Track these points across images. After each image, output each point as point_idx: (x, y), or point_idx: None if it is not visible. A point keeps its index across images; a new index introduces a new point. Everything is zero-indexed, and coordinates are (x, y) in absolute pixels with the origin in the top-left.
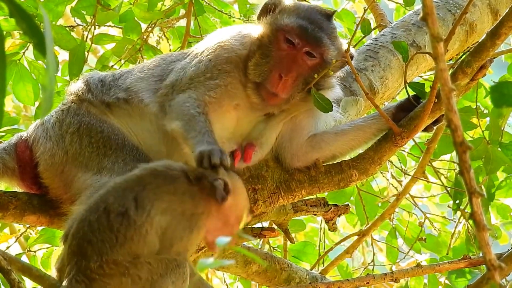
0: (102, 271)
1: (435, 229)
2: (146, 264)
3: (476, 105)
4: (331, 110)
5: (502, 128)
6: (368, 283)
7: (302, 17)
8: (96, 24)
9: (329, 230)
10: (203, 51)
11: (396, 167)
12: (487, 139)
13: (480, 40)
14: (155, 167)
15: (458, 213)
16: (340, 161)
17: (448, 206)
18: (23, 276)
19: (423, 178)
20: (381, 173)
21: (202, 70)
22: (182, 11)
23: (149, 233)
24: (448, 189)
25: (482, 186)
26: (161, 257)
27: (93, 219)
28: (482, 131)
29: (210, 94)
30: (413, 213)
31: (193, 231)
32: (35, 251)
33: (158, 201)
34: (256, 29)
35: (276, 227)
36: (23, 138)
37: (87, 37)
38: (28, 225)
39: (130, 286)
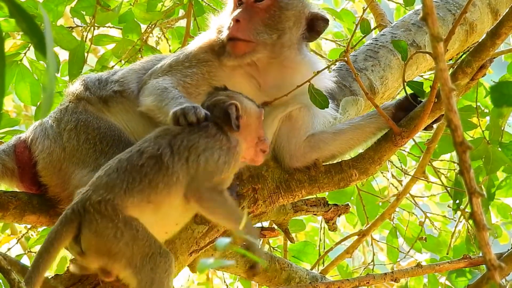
0: (98, 207)
1: (435, 229)
2: (134, 230)
3: (476, 105)
4: (327, 107)
5: (502, 128)
6: (368, 283)
7: None
8: (96, 24)
9: (329, 230)
10: (188, 47)
11: (396, 166)
12: (487, 139)
13: (480, 40)
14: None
15: (458, 212)
16: (340, 161)
17: (448, 206)
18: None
19: (423, 178)
20: (381, 172)
21: (181, 59)
22: (182, 12)
23: (179, 182)
24: (448, 188)
25: (482, 186)
26: (150, 235)
27: (123, 158)
28: (482, 131)
29: (186, 80)
30: (413, 212)
31: (231, 163)
32: (35, 252)
33: (195, 147)
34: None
35: (276, 227)
36: (21, 139)
37: (86, 37)
38: (29, 226)
39: (111, 237)
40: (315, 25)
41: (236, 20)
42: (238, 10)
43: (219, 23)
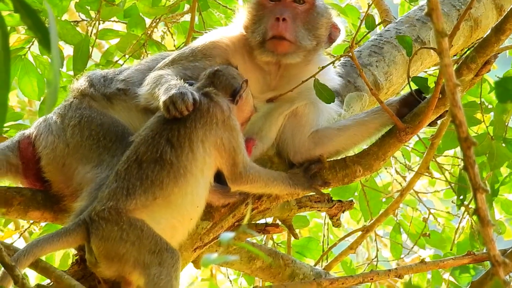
0: (103, 214)
1: (439, 225)
2: (138, 230)
3: (481, 101)
4: (333, 101)
5: (506, 124)
6: (372, 279)
7: None
8: (101, 19)
9: (333, 226)
10: (195, 43)
11: (400, 162)
12: (491, 135)
13: (484, 36)
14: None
15: (462, 208)
16: (344, 156)
17: (452, 202)
18: (28, 268)
19: (427, 174)
20: (385, 168)
21: (186, 53)
22: (187, 7)
23: (188, 171)
24: (452, 184)
25: (486, 182)
26: (156, 233)
27: (121, 169)
28: (487, 127)
29: (186, 73)
30: (417, 208)
31: (237, 131)
32: None
33: (195, 134)
34: (242, 15)
35: (280, 223)
36: (25, 134)
37: (91, 32)
38: (32, 221)
39: (118, 239)
40: (331, 34)
41: (283, 19)
42: (281, 8)
43: (247, 20)
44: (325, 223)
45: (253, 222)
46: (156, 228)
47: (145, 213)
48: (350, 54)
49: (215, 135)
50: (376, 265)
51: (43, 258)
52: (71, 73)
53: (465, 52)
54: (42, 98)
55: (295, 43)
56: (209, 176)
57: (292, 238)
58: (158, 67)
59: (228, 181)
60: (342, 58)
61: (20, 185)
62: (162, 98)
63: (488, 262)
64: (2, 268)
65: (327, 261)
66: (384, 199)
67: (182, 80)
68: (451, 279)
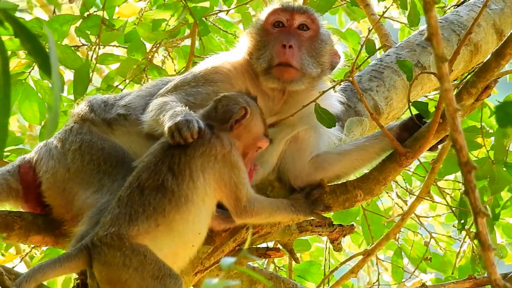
0: (105, 240)
1: (440, 249)
2: (141, 255)
3: (481, 125)
4: (335, 126)
5: (507, 148)
6: None
7: (279, 4)
8: (101, 44)
9: (334, 250)
10: (196, 68)
11: (401, 186)
12: (492, 159)
13: (484, 60)
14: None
15: (463, 232)
16: (345, 181)
17: (453, 226)
18: None
19: (428, 198)
20: (387, 192)
21: (189, 79)
22: (187, 31)
23: (189, 200)
24: (453, 208)
25: (487, 206)
26: (159, 259)
27: (124, 195)
28: (487, 151)
29: (189, 99)
30: (418, 232)
31: (240, 173)
32: None
33: (194, 163)
34: (245, 40)
35: (281, 247)
36: (26, 159)
37: (91, 56)
38: (33, 245)
39: (121, 265)
40: (332, 61)
41: (289, 46)
42: (286, 35)
43: (251, 46)
44: (326, 247)
45: (254, 246)
46: (158, 254)
47: (148, 239)
48: (351, 78)
49: (213, 168)
50: None
51: (45, 283)
52: (72, 97)
53: (466, 77)
54: (42, 123)
55: (300, 70)
56: (212, 205)
57: (294, 262)
58: (160, 93)
59: (232, 215)
60: (342, 83)
61: (21, 210)
62: (168, 124)
63: (489, 286)
64: None
65: (328, 285)
66: (385, 223)
67: (186, 107)
68: None
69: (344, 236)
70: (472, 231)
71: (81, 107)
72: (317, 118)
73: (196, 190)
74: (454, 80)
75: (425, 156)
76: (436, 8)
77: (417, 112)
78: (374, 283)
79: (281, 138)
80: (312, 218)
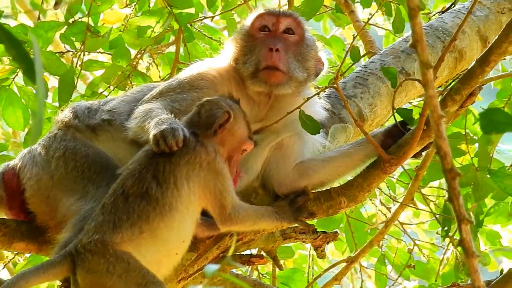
0: (89, 247)
1: (424, 256)
2: (125, 263)
3: (465, 132)
4: (319, 132)
5: (491, 155)
6: None
7: (264, 9)
8: (86, 50)
9: (318, 257)
10: (181, 74)
11: (385, 193)
12: (476, 166)
13: (469, 67)
14: None
15: (447, 239)
16: (329, 188)
17: (437, 233)
18: None
19: (412, 205)
20: (370, 199)
21: (174, 85)
22: (172, 38)
23: (173, 208)
24: (437, 216)
25: (471, 213)
26: (143, 266)
27: (108, 202)
28: (471, 158)
29: (174, 106)
30: (402, 239)
31: (225, 180)
32: None
33: (178, 171)
34: (230, 46)
35: (264, 254)
36: (10, 166)
37: (76, 63)
38: (16, 252)
39: (104, 272)
40: (316, 67)
41: (276, 50)
42: (273, 39)
43: (237, 51)
44: (310, 254)
45: (238, 253)
46: (142, 261)
47: (132, 247)
48: (335, 85)
49: (198, 176)
50: None
51: None
52: (56, 104)
53: (450, 84)
54: (26, 129)
55: (287, 74)
56: (196, 212)
57: (277, 269)
58: (145, 99)
59: (217, 222)
60: (327, 90)
61: (5, 216)
62: (153, 132)
63: None
64: None
65: None
66: (369, 230)
67: (171, 113)
68: None
69: (327, 243)
70: (456, 238)
71: (65, 114)
72: (301, 125)
73: (180, 198)
74: (439, 87)
75: (409, 163)
76: (421, 15)
77: (402, 119)
78: None
79: (265, 145)
80: (296, 225)
